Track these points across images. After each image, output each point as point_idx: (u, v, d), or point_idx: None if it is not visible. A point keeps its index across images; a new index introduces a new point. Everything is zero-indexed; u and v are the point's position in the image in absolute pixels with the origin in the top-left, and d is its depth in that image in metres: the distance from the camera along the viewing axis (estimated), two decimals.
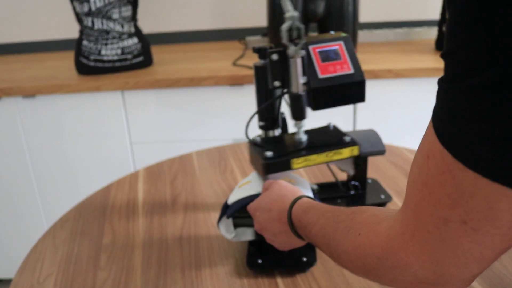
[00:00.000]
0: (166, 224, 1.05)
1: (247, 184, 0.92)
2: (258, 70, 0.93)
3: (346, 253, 0.58)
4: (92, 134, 1.91)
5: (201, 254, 0.94)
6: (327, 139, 0.92)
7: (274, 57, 0.86)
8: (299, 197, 0.76)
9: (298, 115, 0.88)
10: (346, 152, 0.90)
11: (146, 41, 1.98)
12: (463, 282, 0.46)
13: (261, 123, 0.98)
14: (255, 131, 1.02)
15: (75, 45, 1.91)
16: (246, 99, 1.85)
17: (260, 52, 0.93)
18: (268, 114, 0.97)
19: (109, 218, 1.10)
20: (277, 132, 1.00)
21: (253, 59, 1.71)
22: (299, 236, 0.75)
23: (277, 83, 0.88)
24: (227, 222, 0.90)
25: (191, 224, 1.04)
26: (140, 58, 1.95)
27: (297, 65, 0.84)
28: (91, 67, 1.89)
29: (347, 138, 0.91)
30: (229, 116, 1.89)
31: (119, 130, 1.90)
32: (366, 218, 0.57)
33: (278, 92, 0.93)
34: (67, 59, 2.15)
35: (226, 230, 0.90)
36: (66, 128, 1.91)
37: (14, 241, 2.12)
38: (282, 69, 0.86)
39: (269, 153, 0.88)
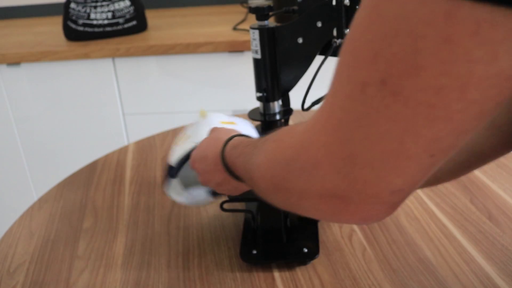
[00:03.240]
0: (154, 206, 0.95)
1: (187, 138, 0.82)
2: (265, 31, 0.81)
3: (258, 168, 0.50)
4: (82, 104, 1.80)
5: (189, 242, 0.84)
6: None
7: (346, 1, 0.74)
8: (232, 137, 0.66)
9: None
10: None
11: (140, 4, 1.85)
12: (381, 200, 0.37)
13: (259, 94, 0.87)
14: (252, 104, 0.91)
15: (63, 9, 1.78)
16: (247, 67, 1.73)
17: (259, 12, 0.82)
18: (267, 83, 0.85)
19: (92, 198, 1.00)
20: (277, 104, 0.88)
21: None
22: (238, 178, 0.63)
23: (347, 31, 0.77)
24: (175, 183, 0.79)
25: (181, 207, 0.94)
26: (133, 23, 1.82)
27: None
28: (79, 32, 1.77)
29: None
30: (228, 85, 1.77)
31: (110, 100, 1.79)
32: (285, 127, 0.50)
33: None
34: (55, 25, 2.02)
35: (177, 193, 0.80)
36: (54, 98, 1.80)
37: (3, 216, 2.04)
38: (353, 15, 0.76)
39: None
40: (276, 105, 0.88)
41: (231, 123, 0.81)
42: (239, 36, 1.72)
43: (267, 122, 0.89)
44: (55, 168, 1.92)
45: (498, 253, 0.77)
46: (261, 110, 0.89)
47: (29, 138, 1.87)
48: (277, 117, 0.88)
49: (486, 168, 1.01)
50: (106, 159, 1.16)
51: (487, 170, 1.00)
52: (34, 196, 1.99)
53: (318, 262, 0.77)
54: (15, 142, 1.88)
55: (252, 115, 0.90)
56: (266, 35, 0.82)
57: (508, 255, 0.76)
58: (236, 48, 1.68)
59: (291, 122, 1.27)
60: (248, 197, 0.74)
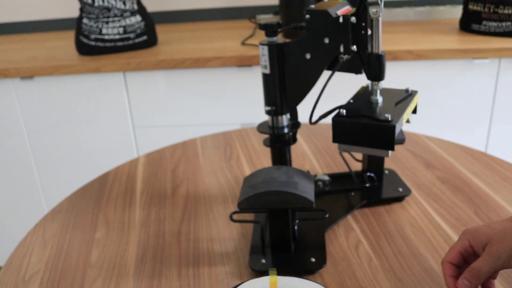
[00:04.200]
0: (164, 217, 0.97)
1: None
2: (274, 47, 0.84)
3: None
4: (93, 117, 1.83)
5: (200, 252, 0.86)
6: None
7: (353, 19, 0.78)
8: None
9: (378, 76, 0.81)
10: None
11: (150, 20, 1.89)
12: None
13: (268, 108, 0.89)
14: (260, 117, 0.93)
15: (75, 24, 1.82)
16: (255, 81, 1.75)
17: (268, 28, 0.84)
18: (275, 97, 0.88)
19: (104, 209, 1.02)
20: (286, 118, 0.91)
21: (264, 39, 1.61)
22: None
23: (354, 48, 0.80)
24: None
25: (191, 218, 0.96)
26: (144, 38, 1.86)
27: (379, 24, 0.77)
28: (91, 47, 1.80)
29: None
30: (236, 99, 1.79)
31: (121, 113, 1.82)
32: None
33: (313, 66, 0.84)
34: (68, 39, 2.06)
35: None
36: (65, 111, 1.83)
37: (14, 227, 2.06)
38: (359, 32, 0.80)
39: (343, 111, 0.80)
40: (285, 119, 0.91)
41: None
42: (248, 51, 1.74)
43: (275, 135, 0.91)
44: (66, 180, 1.94)
45: None
46: (270, 123, 0.92)
47: (41, 149, 1.90)
48: (285, 130, 0.91)
49: (490, 180, 1.02)
50: (117, 171, 1.18)
51: (491, 183, 1.01)
52: (44, 207, 2.01)
53: (325, 272, 0.78)
54: (27, 154, 1.90)
55: (261, 129, 0.92)
56: (275, 51, 0.85)
57: None
58: (244, 62, 1.71)
59: (298, 135, 1.29)
60: (256, 207, 0.76)
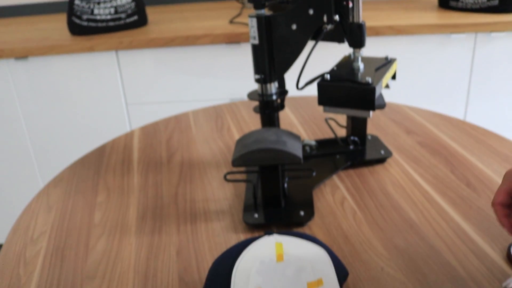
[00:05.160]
0: (162, 182, 1.03)
1: None
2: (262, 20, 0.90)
3: None
4: (87, 95, 1.88)
5: (196, 211, 0.92)
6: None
7: None
8: None
9: (359, 43, 0.88)
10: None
11: (141, 0, 1.93)
12: None
13: (257, 76, 0.95)
14: (250, 88, 0.99)
15: (67, 5, 1.86)
16: (243, 57, 1.81)
17: (256, 1, 0.90)
18: (264, 66, 0.94)
19: (104, 176, 1.08)
20: (274, 86, 0.97)
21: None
22: None
23: (337, 18, 0.87)
24: None
25: (187, 182, 1.02)
26: (134, 18, 1.90)
27: None
28: (84, 27, 1.85)
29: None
30: (226, 75, 1.85)
31: (114, 91, 1.87)
32: None
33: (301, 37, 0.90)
34: (60, 21, 2.10)
35: None
36: (60, 90, 1.87)
37: (10, 205, 2.11)
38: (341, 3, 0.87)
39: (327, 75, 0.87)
40: (273, 87, 0.97)
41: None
42: (236, 29, 1.80)
43: (264, 102, 0.97)
44: (61, 158, 1.99)
45: (474, 213, 0.85)
46: (259, 91, 0.98)
47: (36, 128, 1.94)
48: (274, 97, 0.97)
49: (466, 144, 1.09)
50: (113, 143, 1.24)
51: (467, 146, 1.08)
52: (41, 185, 2.06)
53: (313, 224, 0.85)
54: (22, 132, 1.95)
55: (251, 96, 0.98)
56: (264, 23, 0.91)
57: (483, 215, 0.85)
58: (233, 39, 1.76)
59: (286, 108, 1.36)
60: (249, 164, 0.82)
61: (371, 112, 0.84)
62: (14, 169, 2.03)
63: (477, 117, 1.94)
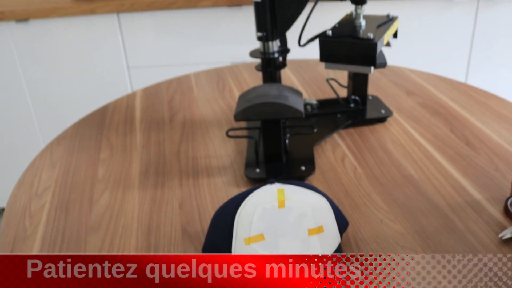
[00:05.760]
0: (164, 140, 1.04)
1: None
2: None
3: None
4: (88, 58, 1.88)
5: (199, 166, 0.93)
6: None
7: None
8: None
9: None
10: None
11: None
12: None
13: (259, 34, 0.95)
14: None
15: None
16: (245, 20, 1.80)
17: None
18: (266, 24, 0.94)
19: (107, 134, 1.09)
20: (276, 44, 0.97)
21: None
22: None
23: None
24: None
25: (189, 139, 1.03)
26: None
27: None
28: None
29: None
30: (227, 38, 1.85)
31: (115, 54, 1.86)
32: None
33: None
34: None
35: None
36: (61, 53, 1.87)
37: (12, 169, 2.12)
38: None
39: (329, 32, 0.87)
40: (275, 45, 0.97)
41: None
42: None
43: (266, 60, 0.97)
44: (63, 120, 1.99)
45: (473, 170, 0.87)
46: (261, 49, 0.98)
47: (37, 91, 1.95)
48: (276, 55, 0.97)
49: (466, 104, 1.10)
50: (116, 104, 1.24)
51: (467, 106, 1.09)
52: (42, 147, 2.07)
53: (314, 179, 0.87)
54: (24, 95, 1.95)
55: (253, 54, 0.99)
56: None
57: (482, 172, 0.86)
58: (234, 2, 1.75)
59: (287, 70, 1.36)
60: (251, 118, 0.83)
61: (372, 68, 0.84)
62: (16, 132, 2.04)
63: (477, 82, 1.94)
